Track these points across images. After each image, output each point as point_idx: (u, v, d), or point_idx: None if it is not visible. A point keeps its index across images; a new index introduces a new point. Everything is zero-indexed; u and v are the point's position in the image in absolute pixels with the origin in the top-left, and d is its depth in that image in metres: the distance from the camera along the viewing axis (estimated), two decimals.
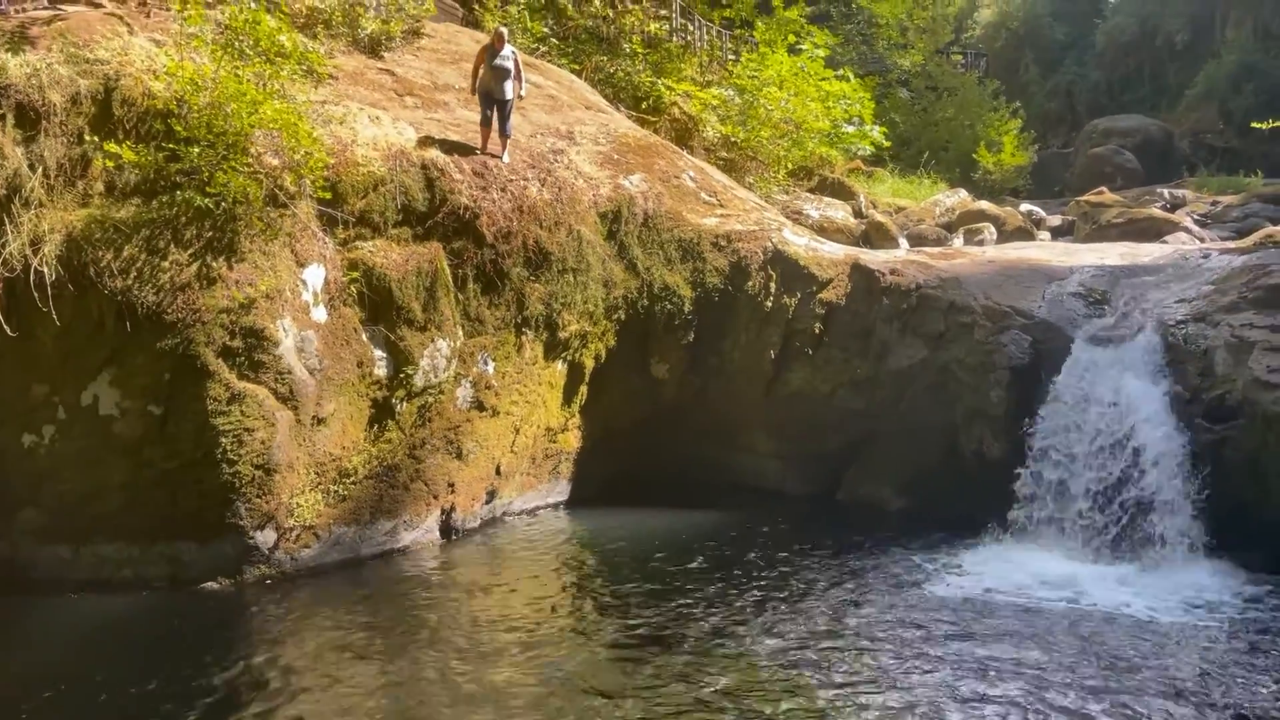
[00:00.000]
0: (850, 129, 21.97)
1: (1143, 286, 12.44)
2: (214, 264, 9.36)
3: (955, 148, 28.42)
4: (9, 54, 9.33)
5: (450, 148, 11.77)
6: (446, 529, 11.22)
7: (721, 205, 14.26)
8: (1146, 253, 14.77)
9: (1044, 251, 15.61)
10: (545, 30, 19.26)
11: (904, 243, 18.16)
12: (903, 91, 31.04)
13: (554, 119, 14.27)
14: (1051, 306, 12.23)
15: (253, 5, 10.98)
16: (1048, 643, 8.19)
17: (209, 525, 9.39)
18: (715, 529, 11.78)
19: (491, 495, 11.84)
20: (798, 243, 13.70)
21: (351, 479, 10.27)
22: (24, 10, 10.27)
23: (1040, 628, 8.56)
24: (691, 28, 24.29)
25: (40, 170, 9.12)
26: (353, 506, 10.32)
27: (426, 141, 11.63)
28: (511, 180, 11.96)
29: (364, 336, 10.38)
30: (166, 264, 9.17)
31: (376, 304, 10.45)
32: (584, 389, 12.85)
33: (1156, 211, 19.43)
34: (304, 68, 11.09)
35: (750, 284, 13.14)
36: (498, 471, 11.82)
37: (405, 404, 10.65)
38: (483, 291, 11.42)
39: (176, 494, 9.33)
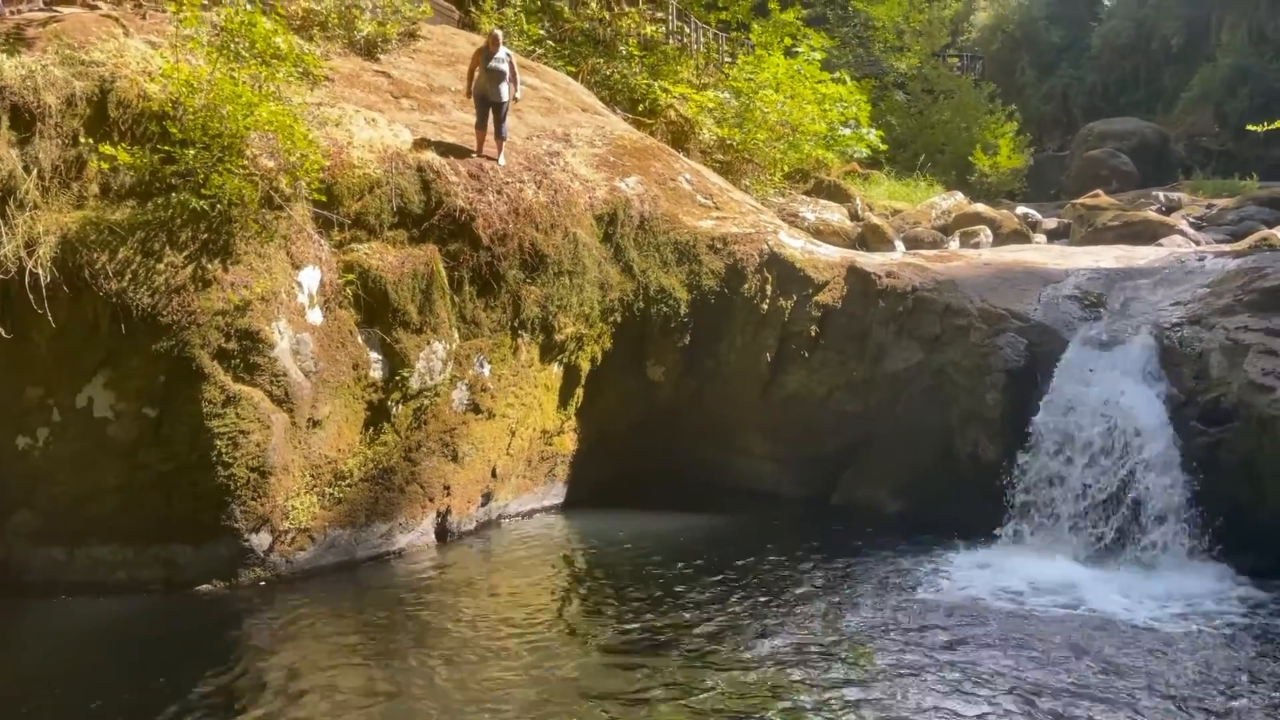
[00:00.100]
0: (846, 132, 21.94)
1: (1138, 289, 12.45)
2: (209, 266, 9.34)
3: (951, 150, 28.48)
4: (4, 56, 9.29)
5: (446, 150, 11.76)
6: (442, 532, 11.20)
7: (717, 208, 14.26)
8: (1142, 256, 14.78)
9: (1040, 254, 15.61)
10: (541, 32, 19.23)
11: (900, 245, 18.17)
12: (899, 94, 31.12)
13: (550, 121, 14.26)
14: (1047, 309, 12.24)
15: (248, 7, 10.97)
16: (1042, 648, 8.19)
17: (204, 528, 9.36)
18: (711, 532, 11.76)
19: (487, 498, 11.82)
20: (794, 245, 13.70)
21: (347, 481, 10.26)
22: (19, 12, 10.26)
23: (1035, 632, 8.55)
24: (688, 30, 24.27)
25: (35, 172, 9.10)
26: (348, 509, 10.30)
27: (422, 144, 11.61)
28: (507, 183, 11.95)
29: (359, 339, 10.36)
30: (162, 266, 9.15)
31: (372, 306, 10.43)
32: (580, 391, 12.84)
33: (1152, 214, 19.48)
34: (300, 70, 11.08)
35: (746, 286, 13.15)
36: (493, 474, 11.80)
37: (401, 406, 10.64)
38: (478, 294, 11.41)
39: (171, 496, 9.31)
